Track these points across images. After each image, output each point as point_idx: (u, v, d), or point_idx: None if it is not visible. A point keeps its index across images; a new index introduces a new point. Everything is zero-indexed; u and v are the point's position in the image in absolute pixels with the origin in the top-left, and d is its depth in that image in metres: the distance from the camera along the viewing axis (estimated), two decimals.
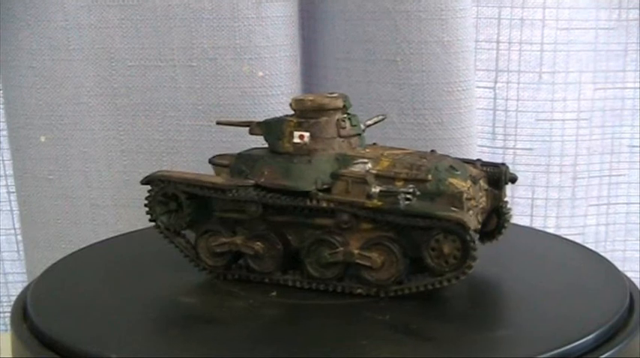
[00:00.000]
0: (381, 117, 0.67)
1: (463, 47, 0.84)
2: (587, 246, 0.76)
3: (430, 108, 0.85)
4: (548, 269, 0.64)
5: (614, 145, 0.95)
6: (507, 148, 0.93)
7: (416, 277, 0.58)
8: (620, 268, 0.65)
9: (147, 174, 0.63)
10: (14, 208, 0.96)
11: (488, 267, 0.63)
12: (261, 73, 0.84)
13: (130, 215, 0.88)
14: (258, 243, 0.60)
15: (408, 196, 0.56)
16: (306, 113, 0.60)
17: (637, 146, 0.95)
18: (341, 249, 0.58)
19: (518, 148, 0.93)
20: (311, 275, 0.60)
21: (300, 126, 0.60)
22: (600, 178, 0.96)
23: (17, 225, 0.97)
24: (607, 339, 0.52)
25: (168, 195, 0.62)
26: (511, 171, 0.62)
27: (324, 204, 0.58)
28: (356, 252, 0.58)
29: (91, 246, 0.73)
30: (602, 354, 0.51)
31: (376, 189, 0.57)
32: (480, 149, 0.92)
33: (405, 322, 0.54)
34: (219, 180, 0.61)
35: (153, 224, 0.64)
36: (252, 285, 0.61)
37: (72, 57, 0.86)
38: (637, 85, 0.93)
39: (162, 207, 0.63)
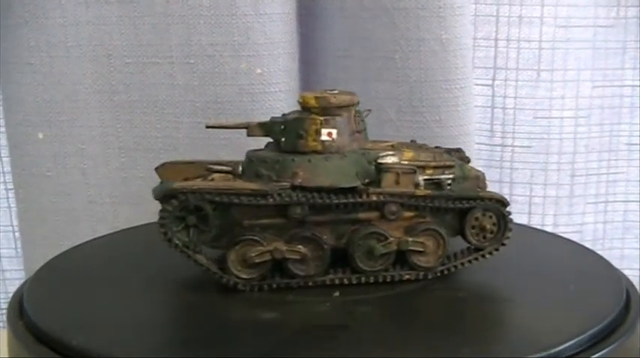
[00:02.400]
0: (367, 112, 0.67)
1: (461, 45, 0.84)
2: (585, 243, 0.76)
3: (428, 105, 0.85)
4: (545, 268, 0.64)
5: (613, 143, 0.95)
6: (505, 146, 0.93)
7: (455, 256, 0.62)
8: (618, 266, 0.65)
9: (159, 188, 0.57)
10: (12, 205, 0.96)
11: (483, 266, 0.64)
12: (259, 70, 0.84)
13: (128, 212, 0.88)
14: (300, 246, 0.59)
15: (449, 182, 0.61)
16: (330, 110, 0.60)
17: (635, 144, 0.95)
18: (392, 238, 0.60)
19: (516, 146, 0.93)
20: (360, 269, 0.60)
21: (327, 124, 0.60)
22: (598, 176, 0.96)
23: (15, 222, 0.97)
24: (603, 337, 0.52)
25: (188, 208, 0.57)
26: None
27: (375, 198, 0.59)
28: (410, 239, 0.60)
29: (87, 242, 0.73)
30: (598, 352, 0.51)
31: (422, 178, 0.60)
32: (477, 146, 0.92)
33: (483, 294, 0.59)
34: (254, 185, 0.58)
35: (164, 238, 0.58)
36: (296, 292, 0.59)
37: (70, 54, 0.86)
38: (635, 82, 0.93)
39: (179, 223, 0.57)
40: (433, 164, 0.61)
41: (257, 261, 0.58)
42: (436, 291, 0.60)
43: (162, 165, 0.64)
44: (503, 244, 0.62)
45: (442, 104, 0.85)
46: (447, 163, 0.61)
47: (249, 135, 0.62)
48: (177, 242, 0.57)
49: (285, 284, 0.59)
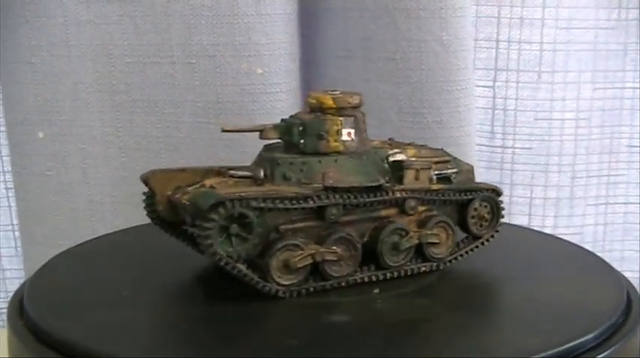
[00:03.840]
0: None
1: (462, 46, 0.84)
2: (585, 245, 0.76)
3: (429, 106, 0.85)
4: (545, 270, 0.64)
5: (613, 145, 0.95)
6: (506, 147, 0.93)
7: (458, 245, 0.65)
8: (618, 268, 0.65)
9: (207, 198, 0.54)
10: (12, 204, 0.96)
11: (484, 267, 0.64)
12: (260, 71, 0.84)
13: (128, 211, 0.88)
14: (334, 246, 0.58)
15: (454, 176, 0.63)
16: (346, 110, 0.60)
17: (636, 146, 0.96)
18: (412, 233, 0.61)
19: (516, 147, 0.93)
20: (386, 265, 0.61)
21: (346, 124, 0.60)
22: (599, 178, 0.96)
23: (15, 221, 0.97)
24: (604, 339, 0.52)
25: (234, 216, 0.54)
26: None
27: (398, 194, 0.60)
28: (428, 232, 0.62)
29: (88, 241, 0.73)
30: (599, 354, 0.51)
31: (434, 173, 0.63)
32: (478, 148, 0.92)
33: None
34: (296, 189, 0.57)
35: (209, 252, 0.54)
36: (331, 293, 0.59)
37: (70, 53, 0.86)
38: (636, 84, 0.93)
39: (222, 233, 0.55)
40: (435, 160, 0.63)
41: (299, 265, 0.57)
42: (470, 280, 0.63)
43: (152, 173, 0.61)
44: (497, 231, 0.65)
45: (443, 105, 0.85)
46: (445, 158, 0.64)
47: (262, 138, 0.61)
48: (221, 253, 0.54)
49: (321, 287, 0.59)
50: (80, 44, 0.85)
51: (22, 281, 0.76)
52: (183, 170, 0.61)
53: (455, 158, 0.65)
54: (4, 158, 0.95)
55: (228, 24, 0.83)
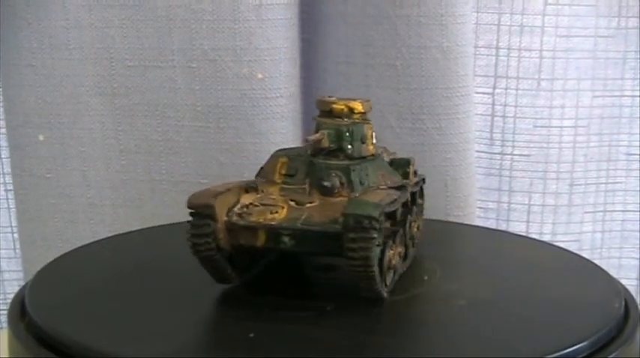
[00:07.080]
0: None
1: (462, 53, 0.84)
2: (583, 252, 0.76)
3: (428, 113, 0.85)
4: (542, 278, 0.64)
5: (612, 153, 0.96)
6: (505, 154, 0.93)
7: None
8: (616, 275, 0.65)
9: (355, 210, 0.52)
10: (11, 206, 0.96)
11: (482, 275, 0.64)
12: (260, 75, 0.84)
13: (128, 215, 0.88)
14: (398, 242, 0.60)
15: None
16: (367, 115, 0.61)
17: (634, 154, 0.96)
18: (414, 222, 0.65)
19: (515, 154, 0.93)
20: (409, 254, 0.64)
21: (372, 129, 0.62)
22: (597, 185, 0.96)
23: (14, 223, 0.97)
24: (601, 347, 0.52)
25: (376, 228, 0.53)
26: None
27: (411, 189, 0.64)
28: (421, 219, 0.68)
29: (88, 244, 0.73)
30: None
31: None
32: (477, 155, 0.92)
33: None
34: (392, 193, 0.58)
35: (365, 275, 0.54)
36: (397, 289, 0.59)
37: (72, 56, 0.86)
38: (635, 92, 0.94)
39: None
40: (393, 157, 0.66)
41: (394, 265, 0.58)
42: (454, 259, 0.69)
43: (214, 198, 0.55)
44: (423, 214, 0.70)
45: (442, 111, 0.85)
46: (398, 157, 0.67)
47: (317, 146, 0.59)
48: (374, 264, 0.54)
49: (395, 284, 0.60)
50: (81, 47, 0.86)
51: (20, 283, 0.76)
52: (228, 189, 0.57)
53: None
54: (3, 160, 0.96)
55: (229, 29, 0.83)
